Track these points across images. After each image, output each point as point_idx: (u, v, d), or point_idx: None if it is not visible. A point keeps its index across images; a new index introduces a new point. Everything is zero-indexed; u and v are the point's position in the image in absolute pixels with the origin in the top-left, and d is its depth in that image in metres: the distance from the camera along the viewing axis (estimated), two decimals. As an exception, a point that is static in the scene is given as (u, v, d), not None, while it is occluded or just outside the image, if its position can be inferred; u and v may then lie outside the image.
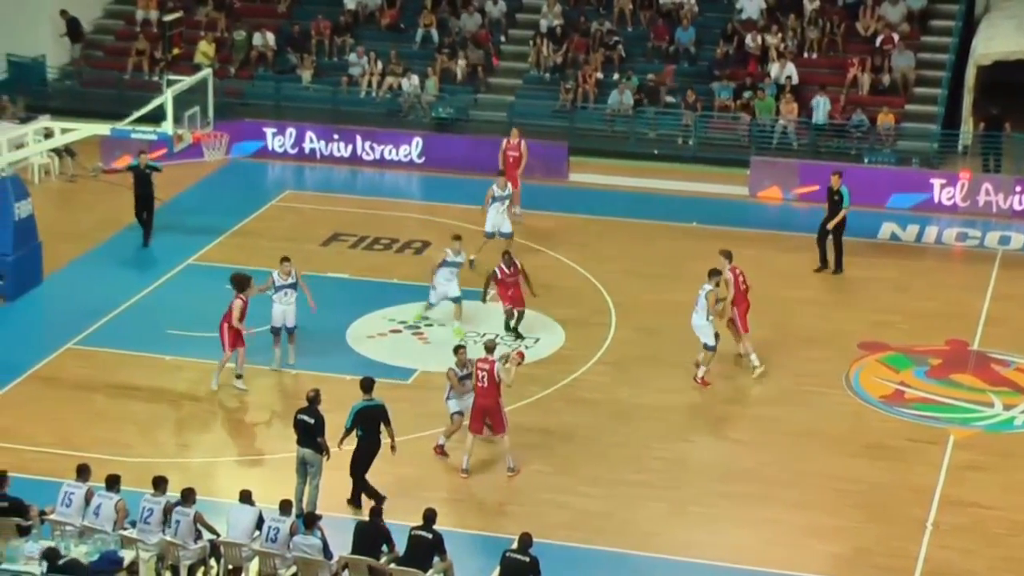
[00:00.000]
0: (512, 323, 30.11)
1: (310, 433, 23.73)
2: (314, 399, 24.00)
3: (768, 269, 33.00)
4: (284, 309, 28.51)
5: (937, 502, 24.54)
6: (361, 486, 24.05)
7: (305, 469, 23.78)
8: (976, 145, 40.16)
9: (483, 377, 25.13)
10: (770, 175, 38.28)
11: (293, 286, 28.59)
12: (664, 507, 24.34)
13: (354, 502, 24.01)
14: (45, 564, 20.75)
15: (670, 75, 42.06)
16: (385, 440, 24.08)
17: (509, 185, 33.66)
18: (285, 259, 28.86)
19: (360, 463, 24.00)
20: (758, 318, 29.56)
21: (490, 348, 25.70)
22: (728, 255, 28.95)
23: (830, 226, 33.11)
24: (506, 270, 29.80)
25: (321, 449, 23.74)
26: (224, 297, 28.69)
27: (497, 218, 33.10)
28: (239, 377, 27.79)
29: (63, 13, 45.18)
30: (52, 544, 21.16)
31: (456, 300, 30.10)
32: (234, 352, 27.66)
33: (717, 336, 28.24)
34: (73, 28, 45.36)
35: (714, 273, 28.40)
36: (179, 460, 25.39)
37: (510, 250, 30.35)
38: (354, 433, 23.90)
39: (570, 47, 43.41)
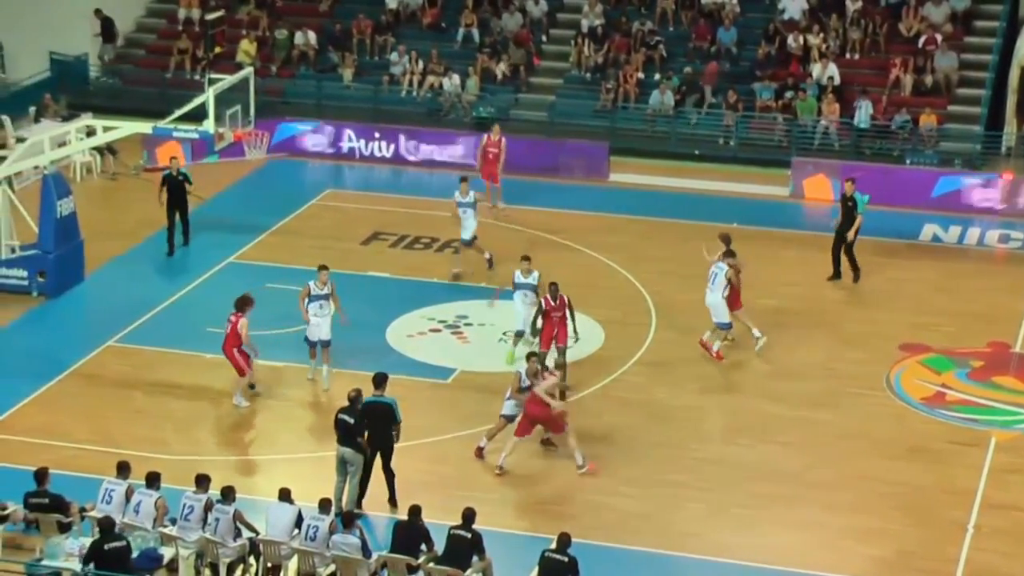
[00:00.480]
0: (555, 361, 27.87)
1: (350, 432, 23.74)
2: (356, 399, 23.99)
3: (809, 270, 32.90)
4: (319, 322, 27.84)
5: (978, 505, 24.40)
6: (363, 479, 23.99)
7: (345, 468, 23.79)
8: (1019, 146, 39.99)
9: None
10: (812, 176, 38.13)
11: (328, 297, 28.00)
12: (703, 508, 24.26)
13: (391, 501, 24.02)
14: (98, 532, 20.97)
15: (712, 75, 41.93)
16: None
17: (471, 192, 33.02)
18: (323, 267, 28.26)
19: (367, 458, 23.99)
20: (798, 319, 29.46)
21: (558, 365, 26.61)
22: (727, 239, 29.48)
23: (849, 236, 32.40)
24: (552, 302, 27.91)
25: (362, 449, 23.75)
26: (265, 295, 28.77)
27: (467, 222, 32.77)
28: (252, 387, 27.61)
29: (97, 12, 45.33)
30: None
31: (519, 333, 29.20)
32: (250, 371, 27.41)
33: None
34: (107, 28, 45.49)
35: (729, 253, 28.86)
36: (218, 458, 25.43)
37: (556, 283, 28.19)
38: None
39: (611, 47, 43.34)
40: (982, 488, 24.90)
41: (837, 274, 32.80)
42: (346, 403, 24.01)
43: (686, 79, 41.80)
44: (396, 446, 23.91)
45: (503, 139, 36.70)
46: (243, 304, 27.40)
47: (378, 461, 23.94)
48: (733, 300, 29.06)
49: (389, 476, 24.05)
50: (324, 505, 21.91)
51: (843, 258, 32.61)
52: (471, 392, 27.77)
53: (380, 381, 24.19)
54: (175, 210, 34.20)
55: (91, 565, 20.54)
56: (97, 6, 45.40)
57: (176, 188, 34.08)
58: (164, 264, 33.64)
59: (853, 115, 40.18)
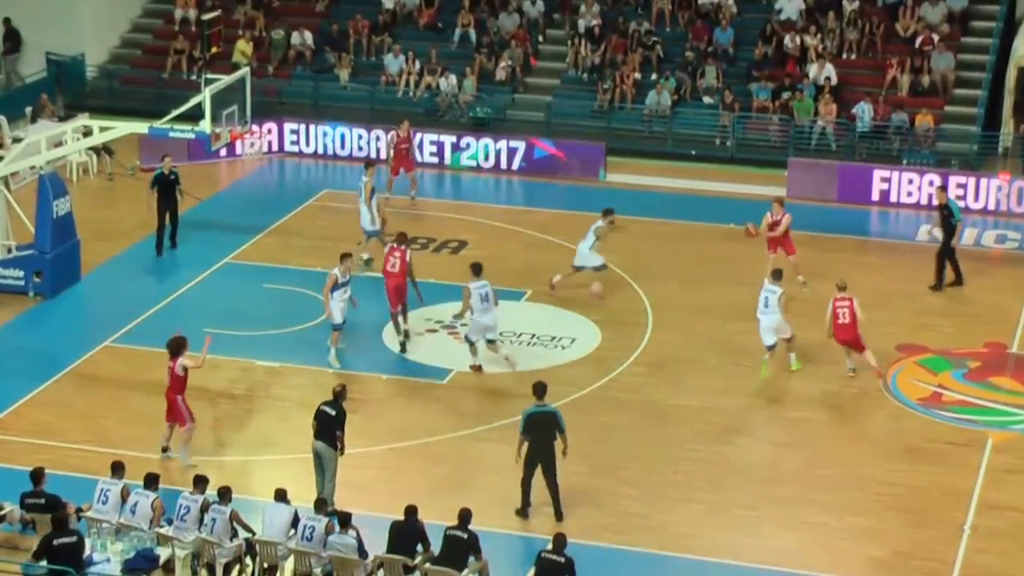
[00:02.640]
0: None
1: (329, 425, 23.77)
2: (340, 394, 24.07)
3: (805, 271, 32.86)
4: (342, 307, 28.60)
5: (975, 505, 24.39)
6: (523, 489, 23.81)
7: (321, 464, 23.82)
8: (1016, 147, 39.99)
9: (843, 314, 27.65)
10: (809, 177, 38.11)
11: (349, 283, 28.70)
12: (702, 509, 24.25)
13: (557, 515, 23.83)
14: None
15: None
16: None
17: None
18: (348, 255, 28.99)
19: (525, 467, 23.67)
20: (797, 320, 29.44)
21: (843, 287, 27.92)
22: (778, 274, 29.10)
23: (953, 243, 32.55)
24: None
25: (335, 443, 23.76)
26: (262, 295, 28.74)
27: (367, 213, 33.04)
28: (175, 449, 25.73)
29: (6, 22, 44.88)
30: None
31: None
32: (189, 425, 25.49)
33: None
34: (12, 37, 45.01)
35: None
36: (215, 458, 25.39)
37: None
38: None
39: (608, 47, 43.33)
40: (979, 489, 24.90)
41: (940, 284, 32.56)
42: (330, 397, 24.04)
43: (681, 70, 41.85)
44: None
45: (411, 132, 37.50)
46: (178, 347, 25.47)
47: (538, 474, 23.63)
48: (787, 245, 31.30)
49: (553, 489, 23.74)
50: (319, 505, 21.91)
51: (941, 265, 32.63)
52: (468, 392, 27.75)
53: (542, 391, 23.87)
54: (165, 211, 34.02)
55: (43, 561, 20.54)
56: (97, 7, 45.35)
57: (167, 188, 33.91)
58: (160, 264, 33.62)
59: (851, 117, 40.13)
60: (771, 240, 31.84)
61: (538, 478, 23.66)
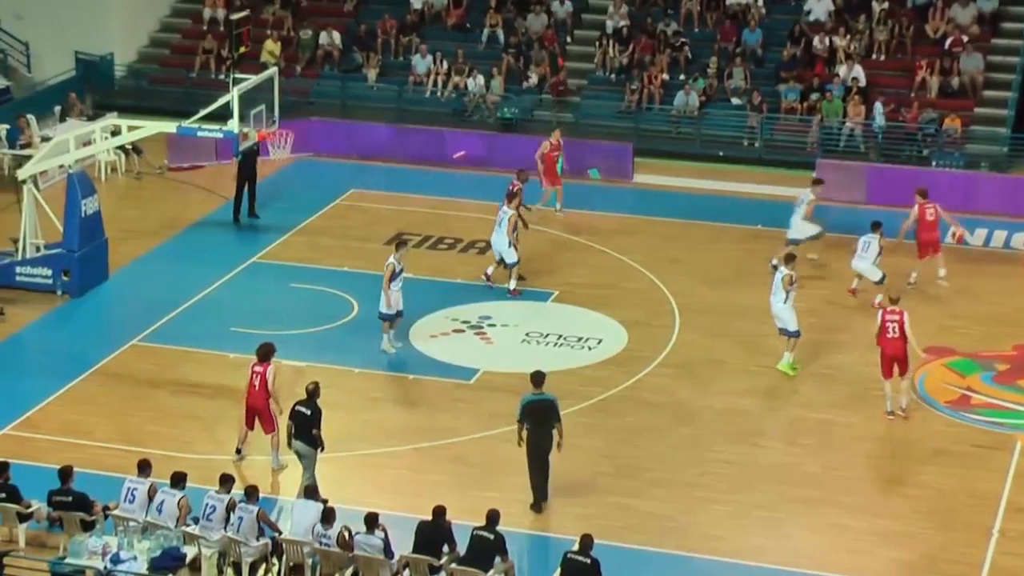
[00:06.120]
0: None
1: (306, 425, 23.79)
2: (313, 392, 24.12)
3: (833, 273, 32.82)
4: (398, 295, 29.05)
5: (1003, 509, 24.29)
6: (532, 484, 23.87)
7: (303, 462, 23.90)
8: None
9: (893, 328, 26.68)
10: (838, 178, 37.98)
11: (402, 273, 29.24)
12: (728, 510, 24.19)
13: (535, 507, 23.93)
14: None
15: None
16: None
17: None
18: (403, 242, 29.83)
19: (529, 458, 23.84)
20: (823, 322, 29.39)
21: (895, 300, 27.18)
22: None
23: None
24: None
25: (314, 442, 23.79)
26: (288, 294, 28.71)
27: None
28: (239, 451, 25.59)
29: None
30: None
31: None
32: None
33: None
34: None
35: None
36: (240, 457, 25.42)
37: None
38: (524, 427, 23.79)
39: (636, 48, 43.28)
40: (1007, 492, 24.79)
41: None
42: (304, 397, 24.12)
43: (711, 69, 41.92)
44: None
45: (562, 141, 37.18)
46: (267, 353, 25.31)
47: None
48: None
49: (542, 477, 23.88)
50: (309, 492, 22.15)
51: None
52: (494, 393, 27.73)
53: (539, 380, 24.02)
54: (244, 180, 35.59)
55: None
56: (121, 6, 45.47)
57: (247, 160, 35.35)
58: (188, 263, 33.63)
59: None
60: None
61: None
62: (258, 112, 33.19)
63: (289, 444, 24.11)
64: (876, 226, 31.60)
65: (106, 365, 28.84)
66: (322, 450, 23.98)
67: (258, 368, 25.02)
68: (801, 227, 32.96)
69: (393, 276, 28.89)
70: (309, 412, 23.96)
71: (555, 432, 23.71)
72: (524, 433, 23.72)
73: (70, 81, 43.83)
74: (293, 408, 24.12)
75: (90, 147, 33.67)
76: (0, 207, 35.18)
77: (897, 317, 26.88)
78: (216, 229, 35.33)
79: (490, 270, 32.11)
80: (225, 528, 21.82)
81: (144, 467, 22.60)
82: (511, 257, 31.68)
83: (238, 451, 25.38)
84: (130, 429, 26.37)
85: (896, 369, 27.01)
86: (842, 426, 26.93)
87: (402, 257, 29.21)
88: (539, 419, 23.69)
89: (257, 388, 24.90)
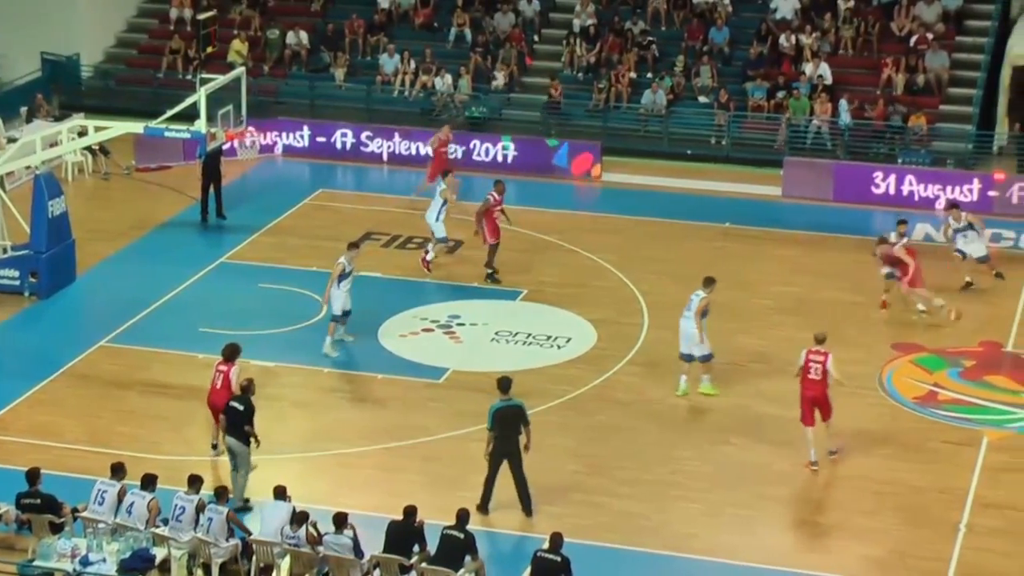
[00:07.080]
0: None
1: (238, 421, 23.75)
2: (247, 388, 24.08)
3: (801, 270, 32.90)
4: (344, 297, 28.93)
5: (971, 504, 24.39)
6: (488, 488, 23.81)
7: (235, 459, 23.84)
8: (1011, 146, 40.01)
9: (815, 369, 25.14)
10: (805, 176, 38.09)
11: (352, 274, 29.07)
12: (700, 508, 24.24)
13: (526, 510, 23.84)
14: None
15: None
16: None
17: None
18: (354, 244, 29.83)
19: (491, 465, 23.73)
20: (793, 319, 29.44)
21: (821, 340, 25.39)
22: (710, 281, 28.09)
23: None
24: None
25: (246, 438, 23.74)
26: (257, 295, 28.64)
27: None
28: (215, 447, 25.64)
29: None
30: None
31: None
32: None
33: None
34: None
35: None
36: (210, 458, 25.37)
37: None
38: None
39: (604, 47, 43.34)
40: (974, 487, 24.90)
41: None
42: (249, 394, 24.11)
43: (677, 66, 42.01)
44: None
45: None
46: (233, 353, 25.33)
47: (505, 467, 23.67)
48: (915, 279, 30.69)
49: (522, 483, 23.74)
50: (221, 493, 22.08)
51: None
52: (464, 392, 27.73)
53: (507, 386, 23.86)
54: (209, 181, 35.57)
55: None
56: (88, 6, 45.31)
57: (211, 160, 35.29)
58: (156, 264, 33.52)
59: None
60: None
61: (505, 475, 23.66)
62: (225, 112, 33.16)
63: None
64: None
65: (74, 366, 28.75)
66: (258, 446, 23.89)
67: (222, 367, 25.04)
68: (975, 246, 32.83)
69: (341, 276, 28.79)
70: (242, 408, 23.82)
71: (523, 436, 23.66)
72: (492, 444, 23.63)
73: (36, 82, 43.66)
74: (227, 404, 24.07)
75: (57, 148, 33.56)
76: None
77: (821, 358, 25.23)
78: (184, 229, 35.25)
79: (430, 256, 32.64)
80: (195, 529, 21.78)
81: (118, 470, 22.53)
82: (440, 231, 32.58)
83: (214, 446, 25.39)
84: (99, 430, 26.29)
85: (818, 414, 25.47)
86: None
87: (353, 258, 29.08)
88: (509, 425, 23.61)
89: (219, 387, 24.91)
